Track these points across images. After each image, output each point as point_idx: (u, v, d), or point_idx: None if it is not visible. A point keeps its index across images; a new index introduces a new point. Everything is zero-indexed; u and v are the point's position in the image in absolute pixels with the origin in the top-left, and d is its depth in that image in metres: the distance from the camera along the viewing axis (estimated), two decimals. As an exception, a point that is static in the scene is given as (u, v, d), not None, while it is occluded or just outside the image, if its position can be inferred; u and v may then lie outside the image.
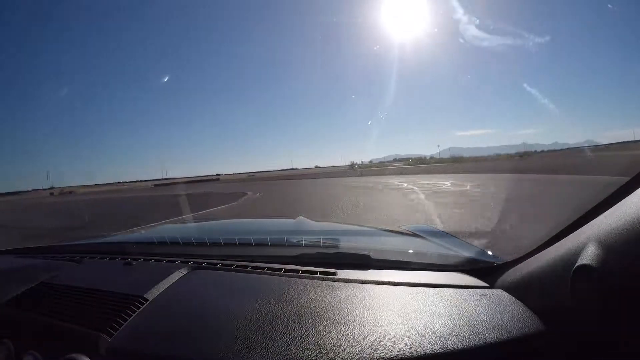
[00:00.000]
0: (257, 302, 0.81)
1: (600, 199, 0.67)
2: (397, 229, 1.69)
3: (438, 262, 1.05)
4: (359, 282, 0.89)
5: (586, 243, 0.62)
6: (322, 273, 0.96)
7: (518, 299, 0.76)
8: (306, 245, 1.22)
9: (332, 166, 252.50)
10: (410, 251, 1.21)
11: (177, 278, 0.98)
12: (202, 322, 0.75)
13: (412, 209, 8.28)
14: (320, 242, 1.22)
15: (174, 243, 1.35)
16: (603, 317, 0.58)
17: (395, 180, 20.66)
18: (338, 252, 1.10)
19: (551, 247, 0.75)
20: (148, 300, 0.85)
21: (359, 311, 0.75)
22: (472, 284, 0.88)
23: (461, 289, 0.85)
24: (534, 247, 0.81)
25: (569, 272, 0.62)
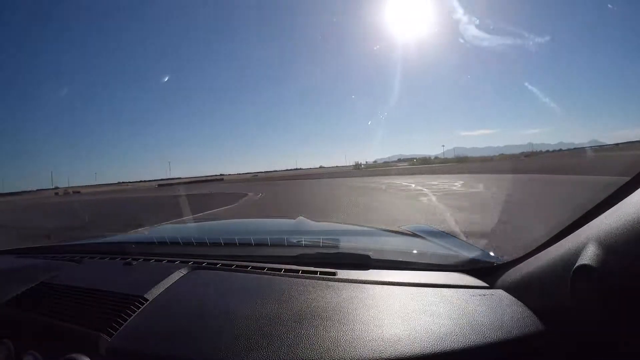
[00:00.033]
0: (257, 302, 0.80)
1: (600, 199, 0.67)
2: (397, 229, 1.69)
3: (438, 262, 1.04)
4: (359, 282, 0.89)
5: (586, 243, 0.62)
6: (322, 273, 0.95)
7: (518, 299, 0.76)
8: (306, 246, 1.22)
9: (337, 166, 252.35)
10: (410, 251, 1.22)
11: (177, 278, 0.97)
12: (202, 322, 0.74)
13: (427, 213, 7.53)
14: (320, 242, 1.23)
15: (174, 243, 1.35)
16: (603, 317, 0.58)
17: (402, 181, 19.77)
18: (338, 252, 1.10)
19: (551, 247, 0.75)
20: (148, 300, 0.85)
21: (359, 311, 0.74)
22: (472, 284, 0.88)
23: (461, 289, 0.85)
24: (534, 247, 0.81)
25: (569, 272, 0.62)
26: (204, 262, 1.09)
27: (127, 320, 0.77)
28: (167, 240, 1.37)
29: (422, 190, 13.35)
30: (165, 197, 20.61)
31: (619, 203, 0.62)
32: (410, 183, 17.75)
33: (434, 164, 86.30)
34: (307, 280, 0.91)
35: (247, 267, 1.03)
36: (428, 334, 0.65)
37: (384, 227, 1.83)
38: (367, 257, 1.00)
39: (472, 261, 1.01)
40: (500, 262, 0.94)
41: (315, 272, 0.96)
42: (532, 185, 12.20)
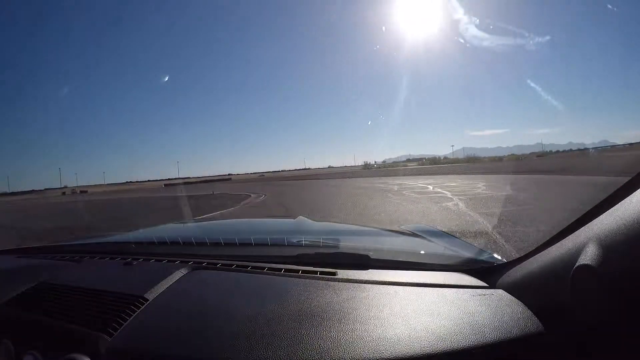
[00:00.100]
0: (257, 302, 0.81)
1: (601, 198, 0.67)
2: (397, 229, 1.68)
3: (438, 262, 1.04)
4: (359, 282, 0.89)
5: (586, 243, 0.62)
6: (322, 273, 0.95)
7: (518, 299, 0.76)
8: (306, 245, 1.22)
9: (345, 166, 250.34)
10: (410, 251, 1.24)
11: (177, 278, 0.97)
12: (202, 322, 0.74)
13: (466, 224, 6.03)
14: (320, 242, 1.23)
15: (174, 243, 1.35)
16: (603, 317, 0.58)
17: (418, 182, 18.07)
18: (338, 252, 1.10)
19: (551, 247, 0.75)
20: (148, 300, 0.85)
21: (359, 311, 0.74)
22: (472, 284, 0.88)
23: (461, 289, 0.84)
24: (534, 247, 0.81)
25: (569, 272, 0.62)
26: (204, 262, 1.08)
27: (127, 320, 0.77)
28: (167, 240, 1.36)
29: (443, 193, 11.81)
30: (164, 198, 20.17)
31: (619, 203, 0.62)
32: (427, 185, 16.10)
33: (445, 164, 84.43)
34: (307, 280, 0.91)
35: (247, 267, 1.03)
36: (428, 334, 0.65)
37: (384, 227, 1.78)
38: (367, 257, 1.00)
39: (472, 261, 1.00)
40: (500, 262, 0.95)
41: (315, 272, 0.96)
42: (567, 188, 10.79)
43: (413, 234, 1.51)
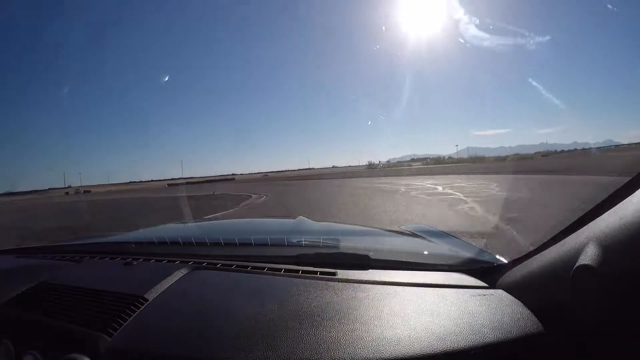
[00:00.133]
0: (257, 302, 0.80)
1: (601, 199, 0.67)
2: (397, 229, 1.69)
3: (438, 262, 1.04)
4: (359, 282, 0.88)
5: (586, 243, 0.62)
6: (322, 273, 0.95)
7: (518, 299, 0.76)
8: (306, 246, 1.22)
9: (349, 166, 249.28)
10: (410, 251, 1.24)
11: (177, 278, 0.97)
12: (202, 322, 0.74)
13: (488, 233, 5.04)
14: (320, 242, 1.23)
15: (174, 243, 1.35)
16: (603, 317, 0.58)
17: (425, 183, 17.20)
18: (338, 252, 1.10)
19: (551, 248, 0.75)
20: (148, 300, 0.84)
21: (359, 311, 0.74)
22: (472, 284, 0.88)
23: (461, 289, 0.84)
24: (534, 248, 0.81)
25: (569, 272, 0.62)
26: (204, 262, 1.08)
27: (127, 320, 0.77)
28: (167, 240, 1.36)
29: (454, 194, 11.04)
30: (163, 198, 19.90)
31: (620, 203, 0.62)
32: (435, 185, 15.31)
33: (449, 164, 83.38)
34: (307, 280, 0.91)
35: (247, 267, 1.03)
36: (428, 334, 0.65)
37: (384, 227, 1.80)
38: (367, 257, 1.00)
39: (472, 261, 1.00)
40: (500, 262, 0.94)
41: (315, 272, 0.96)
42: (586, 189, 9.77)
43: (413, 234, 1.50)
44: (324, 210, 9.37)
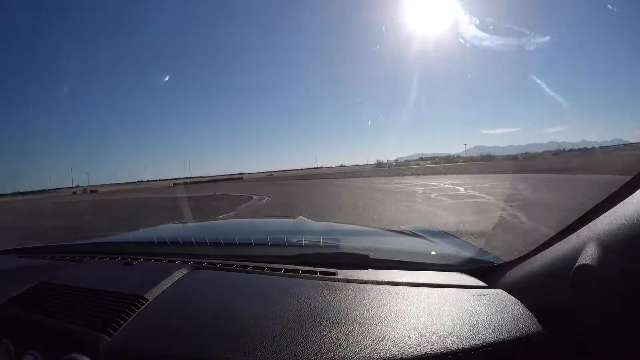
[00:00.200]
0: (257, 302, 0.81)
1: (601, 198, 0.67)
2: (397, 229, 1.68)
3: (438, 262, 1.04)
4: (359, 282, 0.88)
5: (586, 243, 0.62)
6: (322, 273, 0.95)
7: (518, 299, 0.76)
8: (306, 245, 1.22)
9: (357, 165, 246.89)
10: (410, 251, 1.24)
11: (177, 278, 0.97)
12: (202, 322, 0.74)
13: None
14: (320, 242, 1.23)
15: (174, 243, 1.34)
16: (603, 317, 0.58)
17: (442, 183, 15.60)
18: (338, 252, 1.10)
19: (551, 247, 0.75)
20: (148, 300, 0.84)
21: (359, 311, 0.74)
22: (472, 284, 0.88)
23: (461, 289, 0.84)
24: (534, 247, 0.81)
25: (568, 272, 0.62)
26: (204, 262, 1.08)
27: (127, 320, 0.77)
28: (167, 240, 1.36)
29: (482, 197, 9.62)
30: (162, 199, 19.61)
31: (620, 203, 0.62)
32: (454, 186, 13.64)
33: (460, 163, 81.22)
34: (307, 280, 0.91)
35: (247, 267, 1.03)
36: (428, 334, 0.65)
37: (384, 227, 1.79)
38: (367, 257, 1.00)
39: (472, 261, 1.00)
40: (500, 262, 0.94)
41: (315, 272, 0.96)
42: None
43: (413, 234, 1.51)
44: (335, 216, 8.09)
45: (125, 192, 44.65)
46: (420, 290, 0.84)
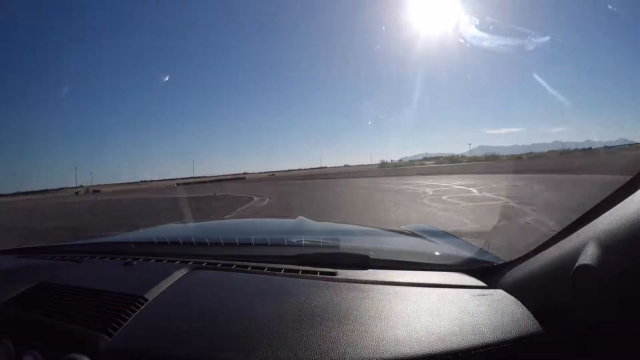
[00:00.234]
0: (257, 302, 0.80)
1: (601, 198, 0.67)
2: (397, 229, 1.67)
3: (438, 262, 1.04)
4: (359, 282, 0.88)
5: (586, 243, 0.62)
6: (322, 273, 0.95)
7: (518, 299, 0.76)
8: (306, 245, 1.22)
9: (361, 165, 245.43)
10: (410, 251, 1.24)
11: (177, 278, 0.97)
12: (202, 322, 0.74)
13: None
14: (320, 242, 1.23)
15: (174, 243, 1.34)
16: (603, 317, 0.58)
17: (452, 184, 14.75)
18: (338, 252, 1.09)
19: (551, 247, 0.75)
20: (148, 300, 0.84)
21: (359, 311, 0.74)
22: (472, 284, 0.88)
23: (461, 289, 0.84)
24: (534, 247, 0.81)
25: (569, 272, 0.62)
26: (204, 262, 1.08)
27: (127, 320, 0.77)
28: (167, 240, 1.35)
29: (499, 199, 8.88)
30: (161, 200, 19.44)
31: (620, 203, 0.62)
32: (466, 187, 12.87)
33: (465, 163, 79.98)
34: (307, 280, 0.91)
35: (247, 267, 1.03)
36: (428, 334, 0.65)
37: (384, 227, 1.77)
38: (367, 257, 1.00)
39: (472, 261, 1.00)
40: (500, 262, 0.94)
41: (315, 272, 0.95)
42: None
43: (413, 234, 1.50)
44: (343, 215, 7.38)
45: (127, 192, 44.63)
46: (420, 290, 0.84)
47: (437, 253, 1.18)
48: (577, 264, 0.60)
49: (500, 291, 0.80)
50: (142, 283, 0.91)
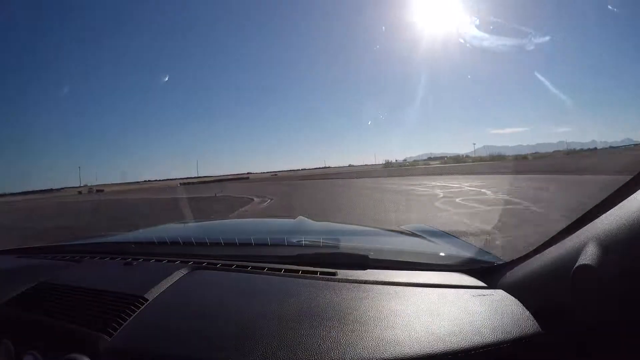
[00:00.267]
0: (257, 302, 0.80)
1: (601, 198, 0.67)
2: (397, 229, 1.67)
3: (438, 262, 1.04)
4: (359, 282, 0.88)
5: (586, 243, 0.62)
6: (322, 273, 0.94)
7: (518, 299, 0.76)
8: (306, 246, 1.21)
9: (366, 165, 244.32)
10: (410, 251, 1.22)
11: (177, 278, 0.97)
12: (202, 322, 0.74)
13: None
14: (320, 242, 1.22)
15: (174, 243, 1.34)
16: (603, 317, 0.58)
17: (463, 185, 13.94)
18: (338, 252, 1.09)
19: (551, 248, 0.74)
20: (148, 300, 0.84)
21: (359, 311, 0.74)
22: (472, 284, 0.87)
23: (461, 289, 0.84)
24: (534, 248, 0.80)
25: (569, 272, 0.62)
26: (204, 262, 1.07)
27: (127, 320, 0.77)
28: (167, 240, 1.35)
29: (520, 203, 7.94)
30: (159, 200, 19.44)
31: (620, 203, 0.62)
32: (478, 188, 12.10)
33: (471, 163, 78.96)
34: (307, 280, 0.90)
35: (247, 267, 1.02)
36: (428, 335, 0.65)
37: (384, 227, 1.76)
38: (367, 257, 0.99)
39: (472, 261, 1.00)
40: (500, 262, 0.93)
41: (315, 272, 0.95)
42: None
43: (413, 234, 1.50)
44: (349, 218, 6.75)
45: (129, 192, 44.57)
46: (420, 291, 0.83)
47: (437, 253, 1.18)
48: (577, 264, 0.60)
49: (500, 291, 0.80)
50: (142, 283, 0.91)
